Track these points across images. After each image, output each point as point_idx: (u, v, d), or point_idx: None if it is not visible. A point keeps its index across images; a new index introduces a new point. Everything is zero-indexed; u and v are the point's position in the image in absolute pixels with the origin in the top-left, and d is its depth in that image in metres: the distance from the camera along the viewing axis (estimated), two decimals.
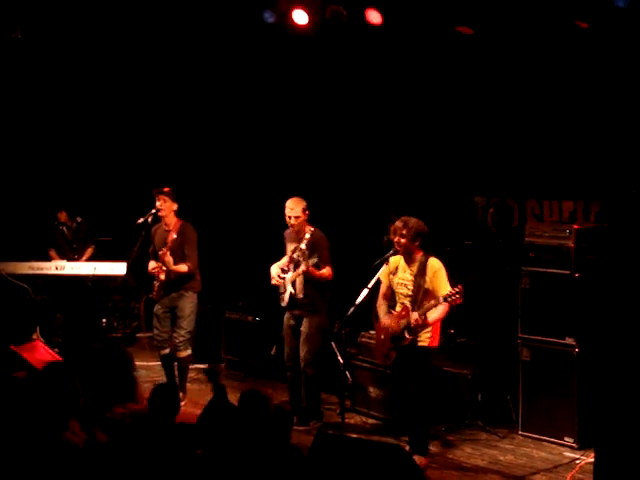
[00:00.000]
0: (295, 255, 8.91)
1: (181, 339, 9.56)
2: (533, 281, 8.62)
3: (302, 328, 8.96)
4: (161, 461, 5.50)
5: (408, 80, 10.69)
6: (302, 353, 8.92)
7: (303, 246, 8.82)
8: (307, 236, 8.81)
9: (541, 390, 8.52)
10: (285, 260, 9.10)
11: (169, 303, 9.60)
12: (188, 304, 9.57)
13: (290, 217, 8.83)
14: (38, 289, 11.33)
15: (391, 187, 10.94)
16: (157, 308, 9.67)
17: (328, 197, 11.17)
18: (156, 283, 9.59)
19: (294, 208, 8.82)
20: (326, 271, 8.79)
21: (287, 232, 9.12)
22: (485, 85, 10.09)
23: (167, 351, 9.68)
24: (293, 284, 8.89)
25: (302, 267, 8.68)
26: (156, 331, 9.70)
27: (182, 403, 8.96)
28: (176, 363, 9.73)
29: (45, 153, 13.04)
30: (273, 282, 9.06)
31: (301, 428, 8.69)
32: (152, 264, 9.66)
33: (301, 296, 8.89)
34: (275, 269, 9.10)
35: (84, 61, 12.65)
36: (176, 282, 9.51)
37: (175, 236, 9.37)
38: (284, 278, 8.98)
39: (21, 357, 8.56)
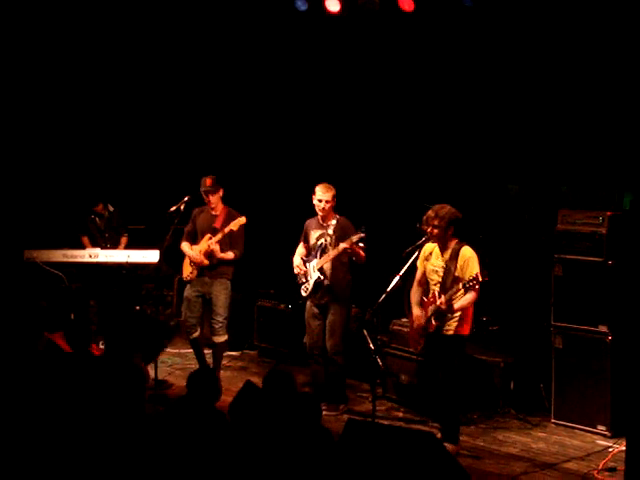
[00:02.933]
0: (320, 242, 8.93)
1: (219, 324, 9.61)
2: (566, 269, 8.57)
3: (329, 315, 8.98)
4: (201, 448, 5.55)
5: (443, 67, 10.63)
6: (331, 341, 8.94)
7: (330, 231, 8.85)
8: (333, 222, 8.85)
9: (574, 378, 8.49)
10: (301, 249, 9.15)
11: (201, 288, 9.62)
12: (223, 290, 9.60)
13: (321, 201, 8.86)
14: (72, 277, 11.40)
15: (424, 175, 10.91)
16: (189, 292, 9.68)
17: (359, 184, 11.17)
18: (191, 265, 9.64)
19: (325, 193, 8.86)
20: (362, 253, 8.79)
21: (310, 221, 9.17)
22: (519, 73, 10.01)
23: (197, 334, 9.72)
24: (320, 270, 8.92)
25: (342, 245, 8.63)
26: (186, 315, 9.73)
27: None
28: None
29: (80, 142, 13.11)
30: (296, 270, 9.10)
31: (332, 413, 8.78)
32: (187, 246, 9.66)
33: (327, 282, 8.91)
34: (297, 258, 9.14)
35: (120, 55, 12.73)
36: (212, 267, 9.56)
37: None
38: (306, 267, 9.01)
39: (55, 343, 8.67)
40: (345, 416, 8.34)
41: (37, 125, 12.72)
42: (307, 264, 9.05)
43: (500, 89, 10.26)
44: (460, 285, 7.60)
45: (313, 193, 8.92)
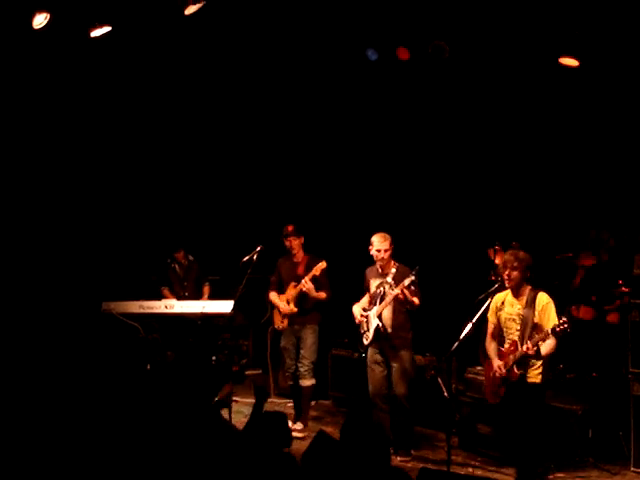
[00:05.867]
0: (380, 290, 8.96)
1: (306, 368, 9.79)
2: None
3: (393, 363, 8.98)
4: None
5: (521, 107, 10.62)
6: (399, 388, 8.93)
7: (390, 279, 8.88)
8: (393, 270, 8.88)
9: None
10: (366, 298, 9.17)
11: (294, 335, 9.88)
12: (310, 334, 9.82)
13: (379, 250, 8.92)
14: (150, 328, 11.53)
15: (495, 217, 10.86)
16: (285, 342, 9.98)
17: (429, 232, 11.17)
18: (281, 314, 9.86)
19: (383, 242, 8.92)
20: (416, 299, 8.77)
21: (370, 269, 9.23)
22: (604, 116, 9.98)
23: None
24: (380, 317, 8.92)
25: (396, 290, 8.62)
26: (288, 364, 10.00)
27: (302, 435, 9.09)
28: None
29: (159, 195, 13.38)
30: (357, 320, 9.13)
31: (405, 459, 8.78)
32: (274, 296, 9.97)
33: (390, 330, 8.93)
34: (357, 308, 9.19)
35: (198, 109, 13.00)
36: (301, 314, 9.78)
37: (323, 265, 9.62)
38: (367, 315, 9.02)
39: None
40: (418, 464, 8.27)
41: (116, 175, 13.01)
42: (368, 312, 9.06)
43: (577, 136, 10.22)
44: (549, 330, 7.45)
45: (370, 244, 8.96)
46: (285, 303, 9.88)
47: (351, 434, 5.85)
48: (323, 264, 9.60)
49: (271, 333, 10.69)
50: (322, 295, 9.73)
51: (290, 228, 9.86)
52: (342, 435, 5.92)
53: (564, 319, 7.39)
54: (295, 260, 9.92)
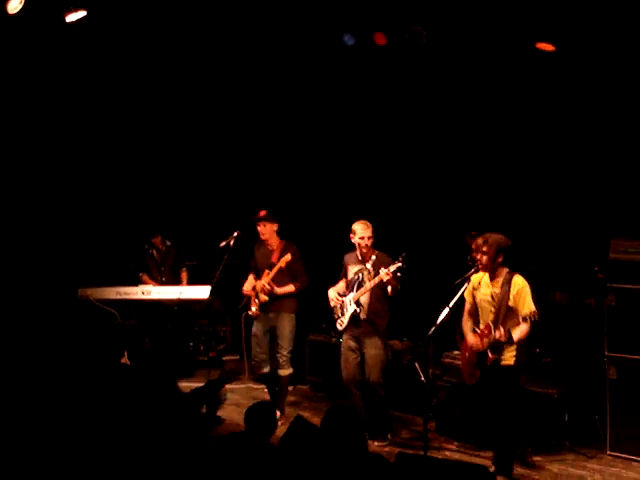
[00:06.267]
0: (358, 276, 8.96)
1: (284, 358, 9.72)
2: (619, 298, 8.48)
3: (367, 349, 8.97)
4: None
5: (501, 93, 10.62)
6: (373, 375, 8.91)
7: (369, 266, 8.89)
8: (373, 257, 8.90)
9: (630, 409, 8.36)
10: (342, 284, 9.17)
11: (267, 323, 9.77)
12: (287, 324, 9.71)
13: (363, 238, 8.92)
14: (126, 314, 11.51)
15: (474, 204, 10.88)
16: (256, 328, 9.83)
17: (407, 214, 11.18)
18: (255, 300, 9.73)
19: (366, 230, 8.93)
20: (398, 285, 8.76)
21: (349, 255, 9.24)
22: (573, 104, 9.99)
23: (267, 370, 9.83)
24: (357, 303, 8.91)
25: (382, 274, 8.57)
26: (256, 351, 9.86)
27: (279, 423, 9.09)
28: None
29: (136, 181, 13.33)
30: (332, 303, 9.12)
31: (382, 444, 8.81)
32: (249, 284, 9.84)
33: (364, 316, 8.93)
34: (333, 292, 9.18)
35: (179, 91, 12.94)
36: (276, 302, 9.67)
37: (288, 258, 9.48)
38: (343, 301, 9.02)
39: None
40: (395, 449, 8.30)
41: (93, 160, 12.95)
42: (344, 298, 9.06)
43: (553, 121, 10.23)
44: (521, 319, 7.53)
45: (351, 232, 8.96)
46: (251, 287, 9.76)
47: (332, 420, 5.87)
48: (288, 257, 9.45)
49: (245, 318, 10.61)
50: (290, 289, 9.62)
51: (263, 213, 9.69)
52: (324, 422, 5.94)
53: (534, 310, 7.45)
54: (269, 248, 9.78)
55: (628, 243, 8.52)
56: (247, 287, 9.85)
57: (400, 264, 8.51)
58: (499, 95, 10.56)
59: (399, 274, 8.59)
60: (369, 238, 8.91)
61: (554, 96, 10.15)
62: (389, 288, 8.75)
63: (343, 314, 9.06)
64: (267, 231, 9.69)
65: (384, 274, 8.55)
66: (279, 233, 9.80)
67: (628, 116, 9.54)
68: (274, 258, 9.67)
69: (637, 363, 8.32)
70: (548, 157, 10.41)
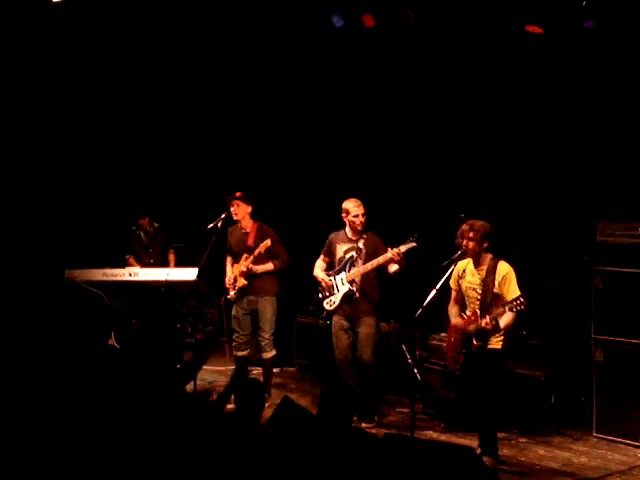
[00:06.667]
0: (351, 255, 8.92)
1: (266, 342, 9.72)
2: (605, 280, 8.50)
3: (361, 328, 8.95)
4: (244, 460, 5.54)
5: (487, 78, 10.60)
6: (365, 354, 8.89)
7: (361, 245, 8.86)
8: (365, 236, 8.87)
9: (615, 391, 8.40)
10: (321, 262, 9.16)
11: (248, 306, 9.73)
12: (269, 307, 9.70)
13: (357, 215, 8.87)
14: (114, 296, 11.48)
15: (461, 187, 10.87)
16: (236, 311, 9.79)
17: (396, 197, 11.16)
18: (234, 284, 9.71)
19: (359, 207, 8.89)
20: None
21: (336, 234, 9.18)
22: (560, 89, 9.98)
23: (245, 353, 9.81)
24: (351, 283, 8.89)
25: (390, 254, 8.53)
26: (236, 334, 9.83)
27: (266, 404, 9.09)
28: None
29: (123, 162, 13.28)
30: (323, 284, 9.09)
31: (369, 425, 8.80)
32: (228, 266, 9.84)
33: (359, 296, 8.90)
34: (321, 273, 9.15)
35: (167, 75, 12.90)
36: (256, 284, 9.65)
37: (268, 243, 9.46)
38: (331, 280, 9.00)
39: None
40: (382, 430, 8.32)
41: (80, 141, 12.90)
42: (334, 277, 9.03)
43: (541, 105, 10.21)
44: (507, 308, 7.52)
45: (343, 212, 8.92)
46: (232, 274, 9.75)
47: (329, 400, 5.89)
48: (268, 242, 9.44)
49: (225, 302, 10.57)
50: (269, 266, 9.60)
51: (238, 193, 9.65)
52: (320, 402, 5.95)
53: (520, 298, 7.45)
54: (244, 230, 9.72)
55: (615, 226, 8.54)
56: (229, 279, 9.83)
57: (414, 244, 8.49)
58: (487, 79, 10.53)
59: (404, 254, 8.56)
60: (363, 215, 8.87)
61: (543, 80, 10.13)
62: (392, 268, 8.71)
63: (332, 293, 9.03)
64: (240, 211, 9.63)
65: (395, 254, 8.52)
66: (253, 216, 9.75)
67: (615, 100, 9.53)
68: (250, 241, 9.64)
69: (623, 345, 8.35)
70: (536, 141, 10.39)
